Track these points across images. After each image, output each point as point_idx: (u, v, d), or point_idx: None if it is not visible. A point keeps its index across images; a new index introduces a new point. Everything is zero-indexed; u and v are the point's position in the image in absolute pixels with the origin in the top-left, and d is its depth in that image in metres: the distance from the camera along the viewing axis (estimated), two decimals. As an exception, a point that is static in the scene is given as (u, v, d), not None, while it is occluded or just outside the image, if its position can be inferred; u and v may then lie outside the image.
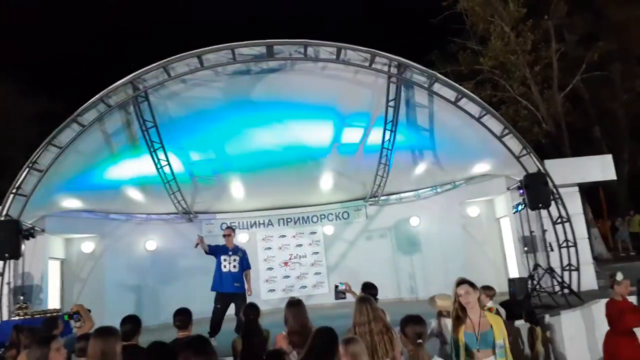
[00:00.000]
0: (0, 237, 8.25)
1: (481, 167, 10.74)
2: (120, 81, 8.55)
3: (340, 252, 12.90)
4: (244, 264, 8.10)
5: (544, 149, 16.75)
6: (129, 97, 8.67)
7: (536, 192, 8.80)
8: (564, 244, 9.31)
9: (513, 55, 16.55)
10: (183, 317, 4.68)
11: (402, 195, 12.52)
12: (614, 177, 10.47)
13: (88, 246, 11.20)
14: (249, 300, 7.77)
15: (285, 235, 12.99)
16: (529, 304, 7.59)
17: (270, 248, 12.86)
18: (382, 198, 12.45)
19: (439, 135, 10.22)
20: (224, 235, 8.26)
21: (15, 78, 17.73)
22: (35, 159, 8.65)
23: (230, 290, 7.86)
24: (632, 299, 5.49)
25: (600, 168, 10.31)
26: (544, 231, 9.39)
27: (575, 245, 9.26)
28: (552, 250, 9.23)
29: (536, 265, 8.92)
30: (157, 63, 8.41)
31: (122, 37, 25.58)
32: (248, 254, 8.37)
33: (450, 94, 9.05)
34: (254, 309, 4.76)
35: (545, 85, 17.50)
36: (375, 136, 10.33)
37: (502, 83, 17.71)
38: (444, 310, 4.71)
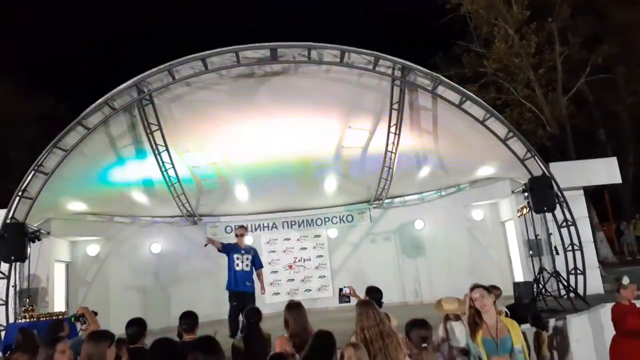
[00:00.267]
0: (6, 240, 8.28)
1: (485, 170, 10.72)
2: (125, 84, 8.57)
3: (345, 256, 12.90)
4: (256, 263, 8.16)
5: (549, 152, 16.72)
6: (133, 100, 8.68)
7: (541, 196, 8.77)
8: (570, 248, 9.26)
9: (517, 57, 16.55)
10: (189, 320, 4.66)
11: (407, 198, 12.51)
12: (619, 180, 10.44)
13: (93, 249, 11.24)
14: (257, 300, 7.80)
15: (289, 239, 13.00)
16: (534, 308, 7.56)
17: (274, 251, 12.87)
18: (387, 201, 12.44)
19: (443, 138, 10.20)
20: (237, 235, 8.26)
21: (19, 79, 17.82)
22: (40, 161, 8.68)
23: (243, 289, 7.87)
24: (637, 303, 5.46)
25: (606, 171, 10.27)
26: (549, 234, 9.35)
27: (580, 248, 9.20)
28: (557, 253, 9.18)
29: (541, 269, 8.88)
30: (161, 66, 8.42)
31: (125, 39, 25.70)
32: None
33: (454, 97, 9.03)
34: (255, 312, 4.76)
35: (549, 88, 17.48)
36: (379, 139, 10.31)
37: (506, 86, 17.70)
38: (451, 314, 4.67)
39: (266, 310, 7.63)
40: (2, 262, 8.55)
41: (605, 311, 7.11)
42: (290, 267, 12.84)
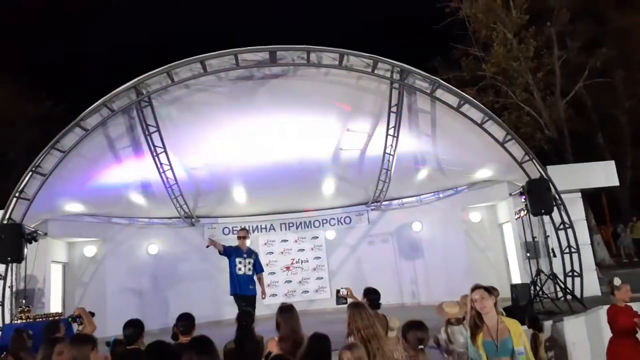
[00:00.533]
0: (2, 241, 8.26)
1: (483, 173, 10.74)
2: (124, 86, 8.57)
3: (342, 257, 12.90)
4: (257, 267, 8.05)
5: (547, 155, 16.76)
6: (132, 102, 8.69)
7: (539, 198, 8.79)
8: (567, 250, 9.28)
9: (515, 61, 16.59)
10: (186, 322, 4.65)
11: (404, 200, 12.53)
12: (617, 184, 10.47)
13: (90, 250, 11.23)
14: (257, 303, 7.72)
15: (287, 240, 13.00)
16: (531, 310, 7.57)
17: (272, 252, 12.87)
18: (384, 203, 12.45)
19: (441, 141, 10.22)
20: (239, 237, 8.14)
21: (18, 80, 17.80)
22: (38, 162, 8.67)
23: (246, 292, 7.78)
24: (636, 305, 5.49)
25: (603, 174, 10.30)
26: (546, 237, 9.37)
27: (577, 251, 9.22)
28: (554, 256, 9.19)
29: (539, 271, 8.89)
30: (160, 68, 8.43)
31: (125, 40, 25.71)
32: None
33: (453, 100, 9.06)
34: (247, 315, 4.74)
35: (547, 92, 17.52)
36: (378, 141, 10.34)
37: (504, 89, 17.74)
38: (452, 317, 4.68)
39: (263, 311, 7.67)
40: (-1, 263, 8.54)
41: (602, 313, 7.11)
42: (288, 268, 12.84)
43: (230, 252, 7.93)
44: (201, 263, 11.91)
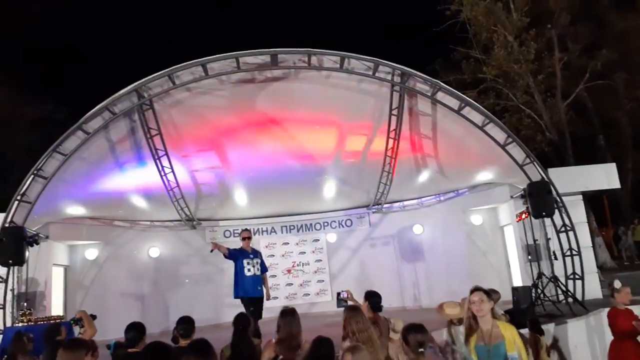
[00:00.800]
0: (4, 244, 8.28)
1: (484, 176, 10.74)
2: (125, 89, 8.59)
3: (344, 260, 12.90)
4: (263, 267, 7.90)
5: (548, 157, 16.75)
6: (133, 105, 8.71)
7: (540, 201, 8.79)
8: (568, 253, 9.27)
9: (516, 64, 16.59)
10: (186, 325, 4.66)
11: (406, 203, 12.53)
12: (618, 186, 10.46)
13: (92, 253, 11.23)
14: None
15: (288, 243, 13.00)
16: (533, 313, 7.56)
17: (273, 255, 12.86)
18: (386, 206, 12.45)
19: (442, 144, 10.23)
20: (244, 238, 7.92)
21: (19, 83, 17.84)
22: (40, 165, 8.69)
23: (254, 294, 7.56)
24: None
25: (604, 177, 10.29)
26: (547, 240, 9.36)
27: (579, 253, 9.22)
28: (556, 258, 9.19)
29: (540, 274, 8.89)
30: (162, 71, 8.45)
31: (126, 43, 25.79)
32: None
33: (454, 103, 9.07)
34: (243, 318, 4.74)
35: (548, 94, 17.52)
36: (379, 144, 10.35)
37: (505, 92, 17.74)
38: (453, 318, 4.68)
39: (264, 314, 7.65)
40: (0, 266, 8.54)
41: (603, 316, 7.10)
42: (289, 271, 12.83)
43: (237, 255, 7.71)
44: (202, 266, 11.92)
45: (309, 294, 12.66)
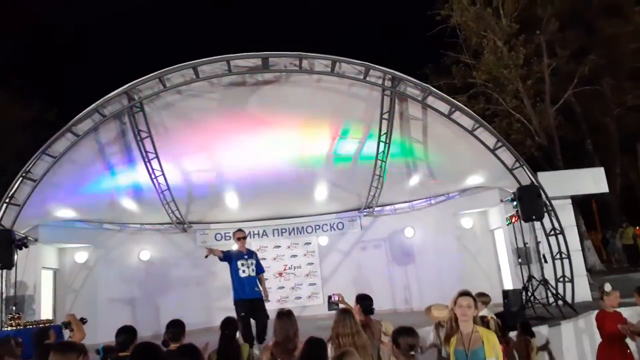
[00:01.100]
0: (-8, 247, 8.19)
1: (475, 179, 10.82)
2: (116, 91, 8.56)
3: (335, 263, 12.90)
4: (259, 268, 7.64)
5: (537, 161, 16.90)
6: (124, 108, 8.68)
7: (529, 205, 8.86)
8: (558, 256, 9.36)
9: (506, 69, 16.74)
10: (175, 329, 4.62)
11: (397, 206, 12.57)
12: (606, 190, 10.57)
13: (81, 256, 11.12)
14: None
15: (279, 246, 12.98)
16: (523, 316, 7.61)
17: (264, 258, 12.76)
18: (377, 209, 12.49)
19: (432, 148, 10.29)
20: (238, 239, 7.69)
21: (7, 84, 17.64)
22: (28, 168, 8.62)
23: (252, 295, 7.35)
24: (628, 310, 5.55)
25: (593, 181, 10.40)
26: (537, 243, 9.44)
27: (568, 257, 9.31)
28: (546, 261, 9.27)
29: (530, 277, 8.95)
30: (152, 74, 8.43)
31: (117, 45, 25.67)
32: None
33: (444, 107, 9.14)
34: (230, 323, 4.71)
35: (537, 99, 17.69)
36: (370, 148, 10.39)
37: (495, 96, 17.89)
38: (441, 321, 4.70)
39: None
40: (-12, 270, 8.45)
41: (592, 318, 7.16)
42: (281, 274, 12.81)
43: (231, 257, 7.55)
44: (193, 269, 11.86)
45: (300, 297, 12.65)
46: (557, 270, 9.37)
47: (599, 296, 5.54)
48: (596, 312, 5.66)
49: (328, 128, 10.17)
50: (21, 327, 7.68)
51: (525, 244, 9.22)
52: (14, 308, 8.45)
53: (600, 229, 19.90)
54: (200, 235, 12.51)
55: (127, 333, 4.29)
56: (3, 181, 10.01)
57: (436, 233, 11.90)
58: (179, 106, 9.22)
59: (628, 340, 5.36)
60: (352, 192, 12.04)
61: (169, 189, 10.45)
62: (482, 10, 17.17)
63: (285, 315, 4.28)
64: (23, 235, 8.90)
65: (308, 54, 8.62)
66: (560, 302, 8.60)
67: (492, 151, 9.31)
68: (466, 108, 9.76)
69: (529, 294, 8.66)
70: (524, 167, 9.41)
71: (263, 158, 10.57)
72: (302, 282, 12.79)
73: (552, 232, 9.43)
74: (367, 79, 8.81)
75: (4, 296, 8.53)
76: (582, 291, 9.54)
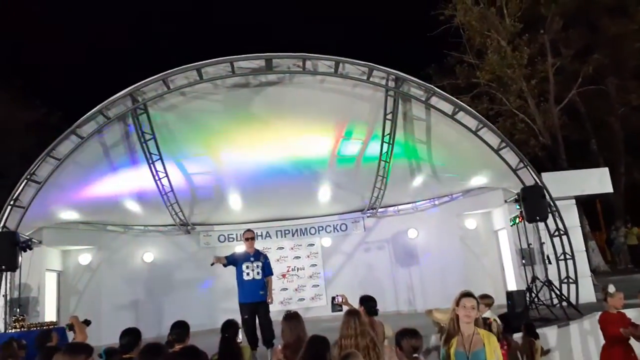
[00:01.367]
0: (-3, 249, 8.21)
1: (478, 180, 10.79)
2: (120, 93, 8.58)
3: (338, 264, 12.89)
4: (266, 270, 7.44)
5: (541, 162, 16.83)
6: (128, 110, 8.69)
7: (533, 205, 8.83)
8: (562, 257, 9.33)
9: (510, 69, 16.69)
10: (180, 330, 4.64)
11: (400, 207, 12.55)
12: (611, 190, 10.53)
13: (85, 258, 11.16)
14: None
15: (283, 247, 12.98)
16: (527, 317, 7.58)
17: (268, 260, 12.82)
18: (380, 210, 12.47)
19: (436, 148, 10.27)
20: (246, 239, 7.61)
21: (12, 87, 17.71)
22: (33, 170, 8.65)
23: (256, 299, 7.19)
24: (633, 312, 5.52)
25: (597, 181, 10.37)
26: (541, 244, 9.41)
27: (572, 257, 9.27)
28: (549, 262, 9.23)
29: (534, 278, 8.92)
30: (156, 76, 8.45)
31: (121, 47, 25.74)
32: None
33: (448, 108, 9.12)
34: (230, 326, 4.71)
35: (541, 99, 17.63)
36: (373, 149, 10.37)
37: (498, 96, 17.83)
38: (443, 323, 4.69)
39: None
40: (-8, 272, 8.48)
41: (596, 320, 7.14)
42: (284, 276, 12.80)
43: (236, 260, 7.45)
44: (196, 271, 11.87)
45: (303, 299, 12.64)
46: (561, 271, 9.33)
47: (603, 297, 5.51)
48: (600, 313, 5.64)
49: (331, 129, 10.16)
50: (25, 329, 7.71)
51: (529, 244, 9.19)
52: (18, 310, 8.47)
53: (605, 229, 19.78)
54: (203, 236, 12.53)
55: (131, 335, 4.29)
56: (8, 183, 10.03)
57: (440, 234, 11.87)
58: (182, 108, 9.24)
59: (633, 342, 5.33)
60: (355, 194, 12.02)
61: (172, 190, 10.46)
62: (485, 10, 17.13)
63: (294, 317, 4.29)
64: (27, 237, 8.93)
65: (311, 54, 8.62)
66: (564, 304, 8.56)
67: (496, 151, 9.29)
68: (470, 108, 9.74)
69: (533, 295, 8.63)
70: (528, 167, 9.38)
71: (266, 159, 10.57)
72: (305, 284, 12.79)
73: (556, 233, 9.39)
74: (371, 79, 8.81)
75: (8, 298, 8.56)
76: (587, 292, 9.50)
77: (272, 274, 7.61)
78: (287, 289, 12.71)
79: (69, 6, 24.25)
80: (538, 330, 6.50)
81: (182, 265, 12.08)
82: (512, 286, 10.31)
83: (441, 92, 9.41)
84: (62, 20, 23.92)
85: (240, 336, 4.95)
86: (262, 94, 9.21)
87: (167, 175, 10.07)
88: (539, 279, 8.92)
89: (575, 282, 9.19)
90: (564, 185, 10.00)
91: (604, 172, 10.51)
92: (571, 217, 9.94)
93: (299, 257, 12.94)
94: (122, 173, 10.06)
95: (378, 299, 5.24)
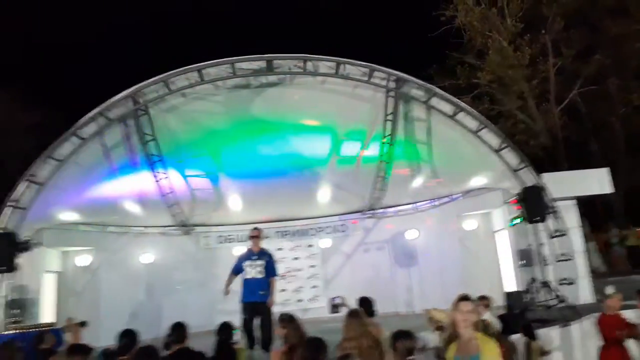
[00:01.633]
0: (-4, 250, 8.21)
1: (478, 181, 10.78)
2: (120, 95, 8.61)
3: (338, 265, 12.88)
4: (269, 270, 7.28)
5: (541, 162, 16.81)
6: (129, 111, 8.72)
7: (533, 206, 8.84)
8: (561, 258, 9.32)
9: (510, 69, 16.69)
10: (179, 331, 4.66)
11: (400, 208, 12.53)
12: (611, 191, 10.51)
13: (84, 259, 11.14)
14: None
15: (282, 248, 12.95)
16: (525, 318, 7.58)
17: (267, 261, 12.82)
18: (380, 211, 12.46)
19: (436, 149, 10.27)
20: (251, 237, 7.51)
21: (13, 88, 17.75)
22: (33, 171, 8.66)
23: (255, 299, 7.05)
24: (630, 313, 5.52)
25: (597, 181, 10.34)
26: (540, 245, 9.40)
27: (571, 258, 9.26)
28: (548, 264, 9.23)
29: (533, 279, 8.92)
30: (157, 77, 8.48)
31: (122, 48, 25.77)
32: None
33: (448, 108, 9.13)
34: (225, 329, 4.72)
35: (542, 99, 17.63)
36: (374, 149, 10.38)
37: (499, 97, 17.83)
38: (439, 321, 4.70)
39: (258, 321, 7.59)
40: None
41: (594, 321, 7.15)
42: (283, 277, 12.77)
43: (240, 261, 7.38)
44: (195, 272, 11.89)
45: (302, 300, 12.63)
46: (560, 272, 9.33)
47: (601, 299, 5.52)
48: (598, 314, 5.64)
49: (332, 130, 10.17)
50: (23, 331, 7.70)
51: (528, 245, 9.18)
52: (16, 312, 8.46)
53: (605, 230, 19.71)
54: (203, 237, 12.52)
55: (128, 336, 4.32)
56: (6, 185, 10.04)
57: (439, 235, 11.86)
58: (183, 109, 9.27)
59: (631, 344, 5.34)
60: (355, 194, 12.02)
61: (172, 191, 10.47)
62: (487, 11, 17.15)
63: (293, 319, 4.28)
64: (27, 239, 8.93)
65: (312, 55, 8.65)
66: (562, 305, 8.56)
67: (497, 152, 9.30)
68: (470, 109, 9.74)
69: (532, 296, 8.62)
70: (528, 168, 9.38)
71: (267, 160, 10.59)
72: (304, 285, 12.77)
73: (556, 234, 9.39)
74: (372, 80, 8.83)
75: (6, 299, 8.56)
76: (585, 293, 9.49)
77: (276, 275, 7.46)
78: (285, 290, 12.69)
79: (69, 7, 24.29)
80: (539, 331, 6.52)
81: (181, 267, 12.08)
82: (510, 287, 10.29)
83: (442, 92, 9.42)
84: (62, 21, 23.96)
85: (237, 338, 4.95)
86: (262, 95, 9.23)
87: (167, 177, 10.08)
88: (537, 280, 8.91)
89: (574, 283, 9.18)
90: (564, 186, 9.97)
91: (604, 172, 10.50)
92: (571, 217, 9.93)
93: (298, 258, 12.93)
94: (122, 174, 10.08)
95: (377, 300, 5.25)
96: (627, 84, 17.69)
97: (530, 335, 6.42)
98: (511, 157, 9.46)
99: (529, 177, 9.39)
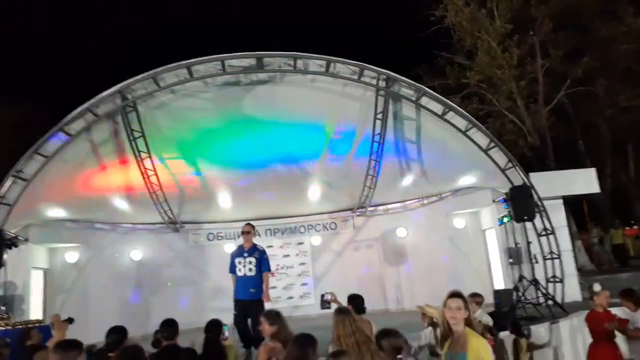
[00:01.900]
0: (-18, 247, 8.13)
1: (467, 180, 10.86)
2: (109, 91, 8.52)
3: (328, 263, 12.91)
4: (262, 266, 7.10)
5: (529, 162, 16.97)
6: (117, 107, 8.64)
7: (521, 205, 8.92)
8: (549, 256, 9.43)
9: (499, 69, 16.80)
10: (169, 328, 4.63)
11: (389, 206, 12.58)
12: (598, 190, 10.65)
13: (72, 256, 11.05)
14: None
15: (272, 246, 12.93)
16: (514, 315, 7.66)
17: (257, 258, 12.79)
18: (370, 209, 12.50)
19: (425, 148, 10.32)
20: (242, 233, 7.28)
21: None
22: (19, 167, 8.55)
23: (244, 296, 6.92)
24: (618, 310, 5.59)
25: (584, 181, 10.48)
26: (528, 243, 9.50)
27: (559, 257, 9.37)
28: (536, 262, 9.33)
29: (521, 277, 9.00)
30: (146, 73, 8.40)
31: (110, 44, 25.52)
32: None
33: (438, 108, 9.17)
34: (214, 326, 4.70)
35: (530, 100, 17.76)
36: (363, 148, 10.40)
37: (488, 97, 17.94)
38: (435, 318, 4.72)
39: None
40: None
41: (582, 318, 7.19)
42: (273, 274, 12.76)
43: (232, 258, 7.23)
44: (185, 269, 11.83)
45: (292, 297, 12.64)
46: (548, 270, 9.43)
47: (589, 296, 5.59)
48: (586, 311, 5.71)
49: (322, 128, 10.17)
50: (10, 327, 7.62)
51: (516, 244, 9.27)
52: (3, 308, 8.39)
53: (591, 229, 19.96)
54: (192, 235, 12.48)
55: (117, 333, 4.28)
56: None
57: (428, 233, 11.93)
58: (172, 106, 9.20)
59: (619, 341, 5.41)
60: (345, 192, 12.05)
61: (161, 188, 10.40)
62: (476, 11, 17.22)
63: (279, 314, 4.26)
64: (13, 235, 8.84)
65: (302, 54, 8.64)
66: (550, 302, 8.65)
67: (485, 151, 9.37)
68: (459, 109, 9.80)
69: (520, 293, 8.71)
70: (516, 167, 9.47)
71: (256, 158, 10.56)
72: (294, 282, 12.79)
73: (544, 233, 9.49)
74: (362, 79, 8.84)
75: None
76: (572, 291, 9.62)
77: (268, 270, 7.29)
78: (276, 287, 12.68)
79: (57, 4, 24.00)
80: (528, 328, 6.58)
81: (171, 264, 12.02)
82: (499, 285, 10.39)
83: (431, 92, 9.46)
84: (50, 17, 23.66)
85: (227, 334, 4.92)
86: (252, 93, 9.20)
87: (155, 173, 10.01)
88: (525, 278, 9.01)
89: (562, 281, 9.30)
90: (552, 186, 10.09)
91: (591, 172, 10.64)
92: (558, 216, 10.05)
93: (288, 256, 12.94)
94: (110, 170, 9.99)
95: (366, 297, 5.25)
96: (614, 85, 17.90)
97: (518, 333, 6.48)
98: (500, 156, 9.54)
99: (517, 177, 9.48)
